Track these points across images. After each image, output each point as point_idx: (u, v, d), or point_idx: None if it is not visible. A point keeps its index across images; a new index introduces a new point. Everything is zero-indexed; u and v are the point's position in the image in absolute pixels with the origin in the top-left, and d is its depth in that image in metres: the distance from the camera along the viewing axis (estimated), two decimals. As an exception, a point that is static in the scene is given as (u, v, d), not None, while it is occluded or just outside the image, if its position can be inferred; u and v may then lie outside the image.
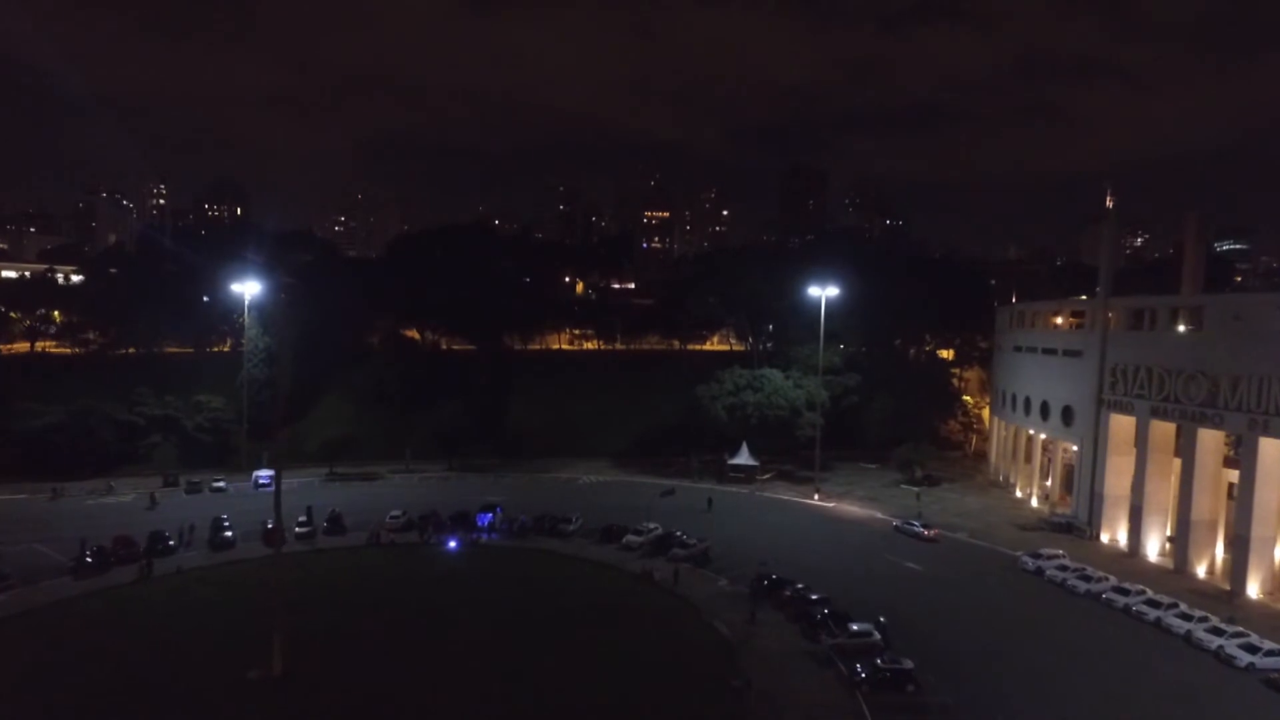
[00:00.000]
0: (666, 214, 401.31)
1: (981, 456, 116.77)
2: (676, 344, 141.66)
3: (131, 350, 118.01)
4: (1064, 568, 62.92)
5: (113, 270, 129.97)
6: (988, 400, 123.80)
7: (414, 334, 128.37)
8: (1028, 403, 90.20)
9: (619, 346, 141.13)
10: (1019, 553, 69.00)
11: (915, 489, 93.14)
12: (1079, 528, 75.78)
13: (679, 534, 69.57)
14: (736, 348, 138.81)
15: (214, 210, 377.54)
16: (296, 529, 71.54)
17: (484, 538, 71.61)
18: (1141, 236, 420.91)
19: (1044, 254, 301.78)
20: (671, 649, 49.39)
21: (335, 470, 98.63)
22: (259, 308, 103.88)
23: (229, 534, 69.79)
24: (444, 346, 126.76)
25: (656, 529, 71.13)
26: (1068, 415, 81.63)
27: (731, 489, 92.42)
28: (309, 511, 71.77)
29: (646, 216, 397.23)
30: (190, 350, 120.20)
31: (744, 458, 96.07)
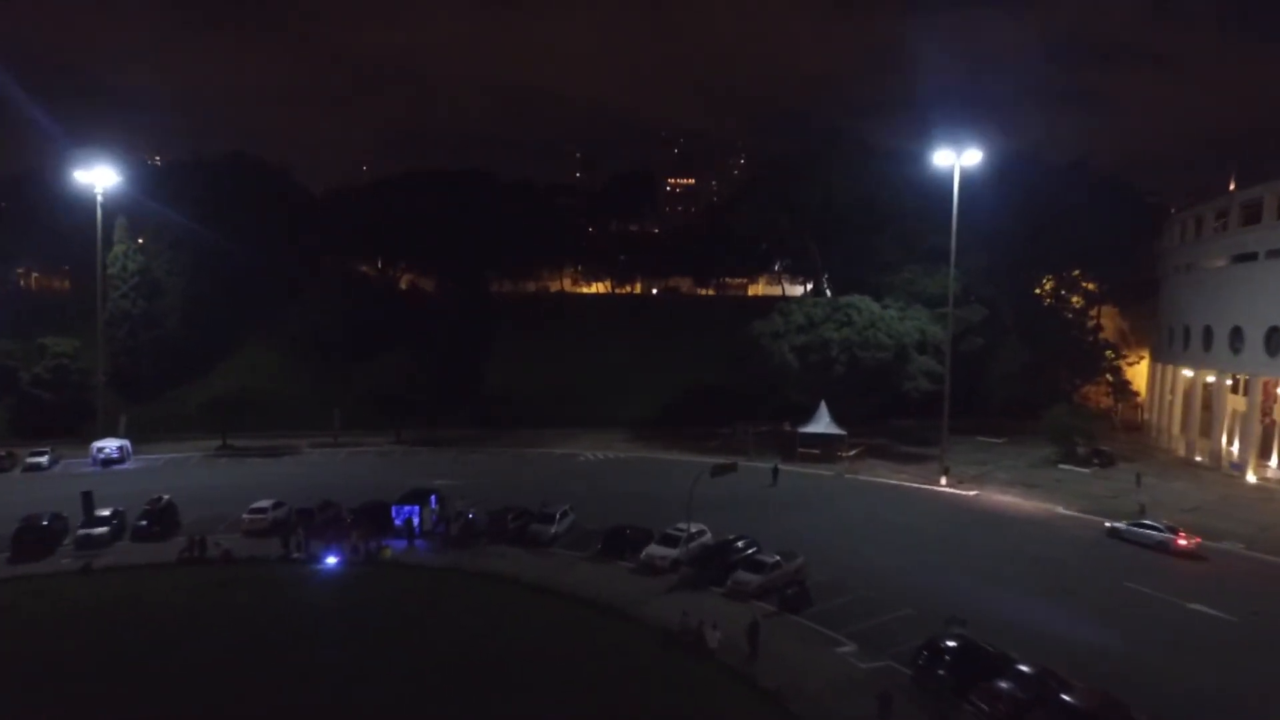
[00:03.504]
0: (691, 180, 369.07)
1: (1134, 426, 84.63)
2: (711, 292, 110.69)
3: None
4: None
5: None
6: (1139, 353, 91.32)
7: (368, 270, 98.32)
8: (1272, 337, 57.88)
9: (638, 290, 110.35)
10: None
11: (1084, 470, 61.62)
12: None
13: (743, 543, 38.52)
14: (791, 294, 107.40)
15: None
16: (80, 530, 41.70)
17: (399, 547, 41.01)
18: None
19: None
20: None
21: (229, 442, 68.68)
22: (128, 214, 73.91)
23: (-48, 539, 40.07)
24: (404, 286, 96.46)
25: (703, 534, 40.17)
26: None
27: (808, 469, 61.20)
28: (86, 500, 41.47)
29: (670, 184, 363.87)
30: (67, 285, 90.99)
31: (823, 425, 64.51)
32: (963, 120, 65.04)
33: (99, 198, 65.90)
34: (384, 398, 73.44)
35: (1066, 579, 37.66)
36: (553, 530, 42.41)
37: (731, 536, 39.46)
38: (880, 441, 70.64)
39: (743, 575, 35.18)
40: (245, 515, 44.12)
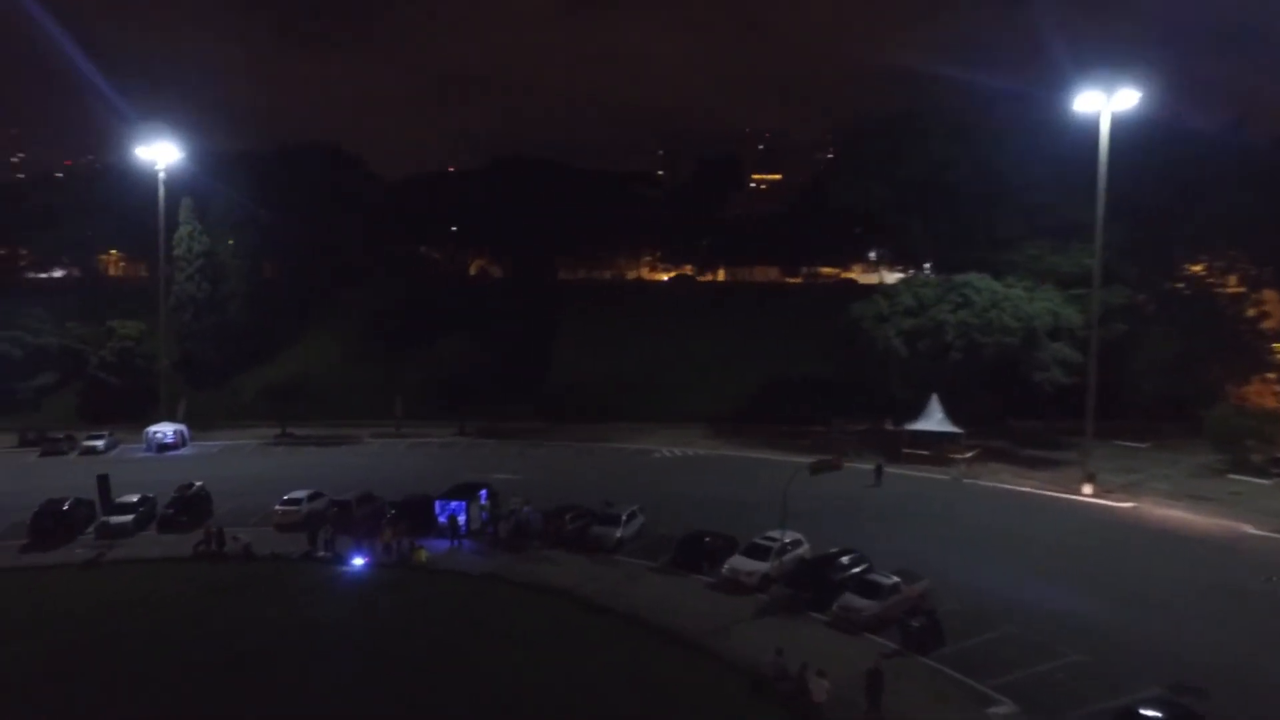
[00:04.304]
0: (778, 176, 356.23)
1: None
2: (800, 280, 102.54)
3: (73, 273, 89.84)
4: None
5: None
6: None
7: (438, 256, 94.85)
8: None
9: (719, 278, 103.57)
10: None
11: (1263, 481, 50.78)
12: None
13: (849, 558, 31.04)
14: (889, 281, 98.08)
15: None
16: (103, 518, 38.12)
17: (441, 547, 35.46)
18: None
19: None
20: None
21: (289, 430, 65.46)
22: (195, 195, 71.93)
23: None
24: (473, 271, 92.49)
25: (799, 544, 32.92)
26: None
27: (917, 472, 52.83)
28: (102, 485, 37.72)
29: (755, 180, 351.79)
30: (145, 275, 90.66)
31: (935, 421, 55.85)
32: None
33: (161, 174, 63.74)
34: (448, 387, 69.05)
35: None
36: (617, 534, 35.98)
37: (834, 549, 32.08)
38: (998, 444, 61.25)
39: (852, 600, 27.78)
40: (277, 507, 39.59)
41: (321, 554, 34.01)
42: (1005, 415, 65.08)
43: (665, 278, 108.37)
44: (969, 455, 56.23)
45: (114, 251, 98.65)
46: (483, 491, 39.48)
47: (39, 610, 28.67)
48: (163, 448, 58.64)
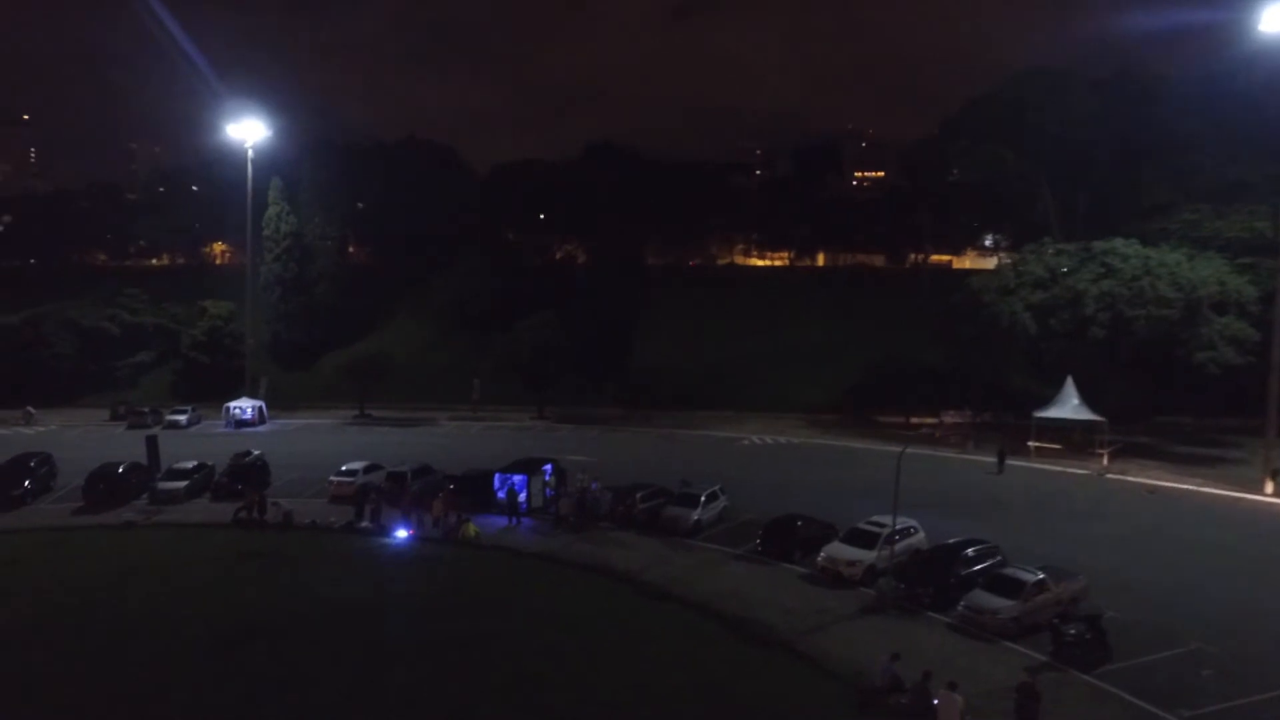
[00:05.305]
0: (881, 174, 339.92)
1: None
2: (907, 265, 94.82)
3: (178, 260, 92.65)
4: None
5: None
6: None
7: (523, 241, 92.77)
8: None
9: (819, 264, 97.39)
10: None
11: None
12: None
13: (975, 550, 25.16)
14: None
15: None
16: (161, 484, 36.57)
17: (498, 524, 31.71)
18: None
19: None
20: None
21: (366, 411, 64.06)
22: (283, 175, 71.99)
23: (27, 485, 36.10)
24: (559, 256, 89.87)
25: (912, 532, 27.34)
26: None
27: (1048, 466, 45.54)
28: (151, 447, 36.00)
29: (856, 177, 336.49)
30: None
31: (1069, 408, 48.07)
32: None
33: (249, 152, 63.57)
34: (528, 371, 66.06)
35: None
36: (695, 516, 31.24)
37: (956, 539, 26.29)
38: (1141, 439, 52.75)
39: (984, 598, 22.03)
40: (333, 478, 37.02)
41: (364, 525, 30.89)
42: (1151, 408, 56.46)
43: (761, 263, 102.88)
44: (1107, 450, 48.30)
45: (219, 245, 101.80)
46: (547, 467, 35.60)
47: (43, 572, 26.56)
48: (241, 424, 58.13)
